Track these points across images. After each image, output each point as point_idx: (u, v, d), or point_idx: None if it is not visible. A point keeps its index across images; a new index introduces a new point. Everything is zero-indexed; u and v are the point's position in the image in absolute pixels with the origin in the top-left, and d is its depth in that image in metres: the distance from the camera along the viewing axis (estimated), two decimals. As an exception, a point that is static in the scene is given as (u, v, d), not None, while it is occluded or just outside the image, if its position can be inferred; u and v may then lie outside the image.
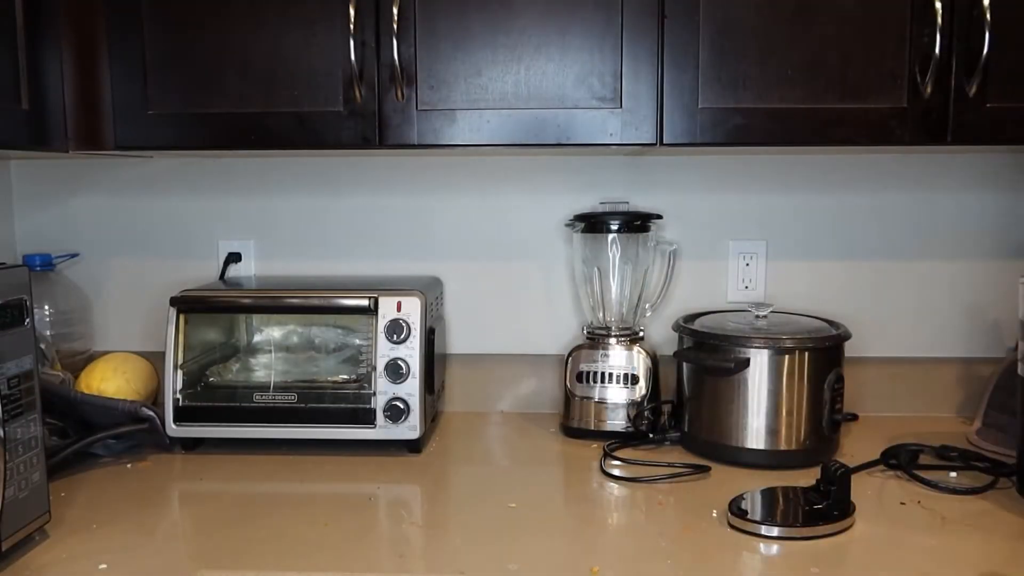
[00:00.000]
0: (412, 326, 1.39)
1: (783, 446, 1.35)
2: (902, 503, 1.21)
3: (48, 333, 1.59)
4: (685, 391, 1.45)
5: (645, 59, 1.27)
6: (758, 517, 1.11)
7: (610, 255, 1.57)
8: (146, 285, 1.72)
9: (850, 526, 1.13)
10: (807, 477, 1.28)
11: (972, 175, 1.62)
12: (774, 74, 1.26)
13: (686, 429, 1.45)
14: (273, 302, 1.46)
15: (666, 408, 1.53)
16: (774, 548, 1.07)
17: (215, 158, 1.68)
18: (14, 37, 1.22)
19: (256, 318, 1.62)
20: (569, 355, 1.54)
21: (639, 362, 1.50)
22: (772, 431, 1.34)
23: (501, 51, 1.28)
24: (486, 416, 1.66)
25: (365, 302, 1.40)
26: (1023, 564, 1.02)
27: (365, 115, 1.29)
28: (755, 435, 1.35)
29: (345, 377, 1.46)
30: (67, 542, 1.09)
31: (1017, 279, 1.28)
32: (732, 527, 1.12)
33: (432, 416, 1.53)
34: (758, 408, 1.34)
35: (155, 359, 1.54)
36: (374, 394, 1.39)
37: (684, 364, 1.45)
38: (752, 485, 1.26)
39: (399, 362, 1.38)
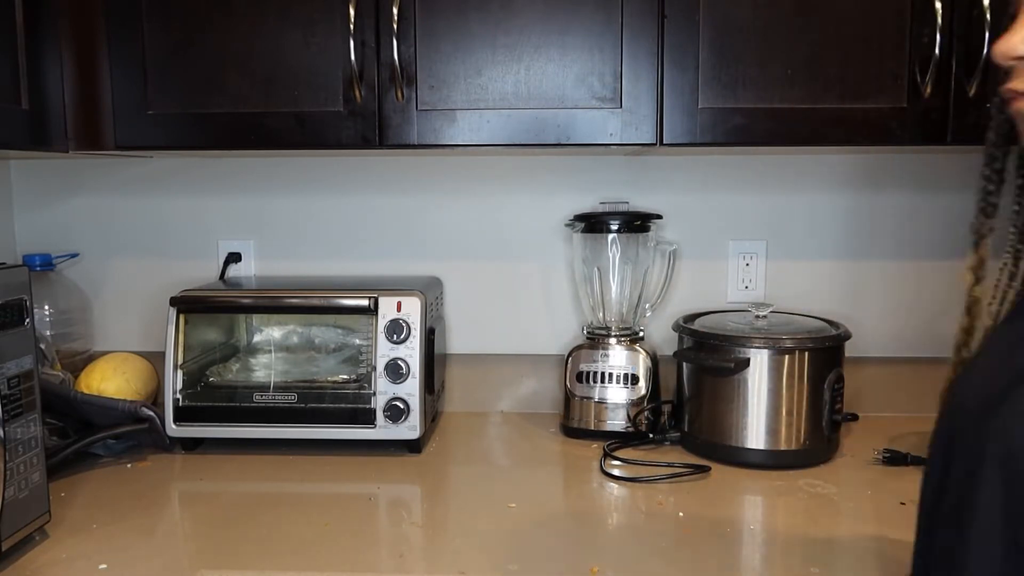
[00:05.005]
0: (412, 326, 1.39)
1: (783, 446, 1.34)
2: (902, 503, 1.21)
3: (48, 333, 1.59)
4: (685, 391, 1.45)
5: (645, 59, 1.27)
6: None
7: (610, 255, 1.57)
8: (146, 285, 1.71)
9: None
10: (807, 477, 1.28)
11: (971, 175, 1.62)
12: (774, 74, 1.26)
13: (686, 429, 1.44)
14: (273, 302, 1.46)
15: (666, 408, 1.53)
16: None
17: (215, 158, 1.68)
18: (14, 37, 1.22)
19: (256, 318, 1.62)
20: (569, 355, 1.54)
21: (639, 362, 1.50)
22: (772, 431, 1.34)
23: (501, 51, 1.28)
24: (486, 416, 1.66)
25: (365, 302, 1.40)
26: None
27: (365, 115, 1.29)
28: (755, 435, 1.34)
29: (345, 377, 1.46)
30: (67, 542, 1.09)
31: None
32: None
33: (432, 416, 1.53)
34: (758, 408, 1.34)
35: (155, 359, 1.54)
36: (374, 394, 1.39)
37: (684, 364, 1.45)
38: (752, 485, 1.26)
39: (399, 362, 1.38)
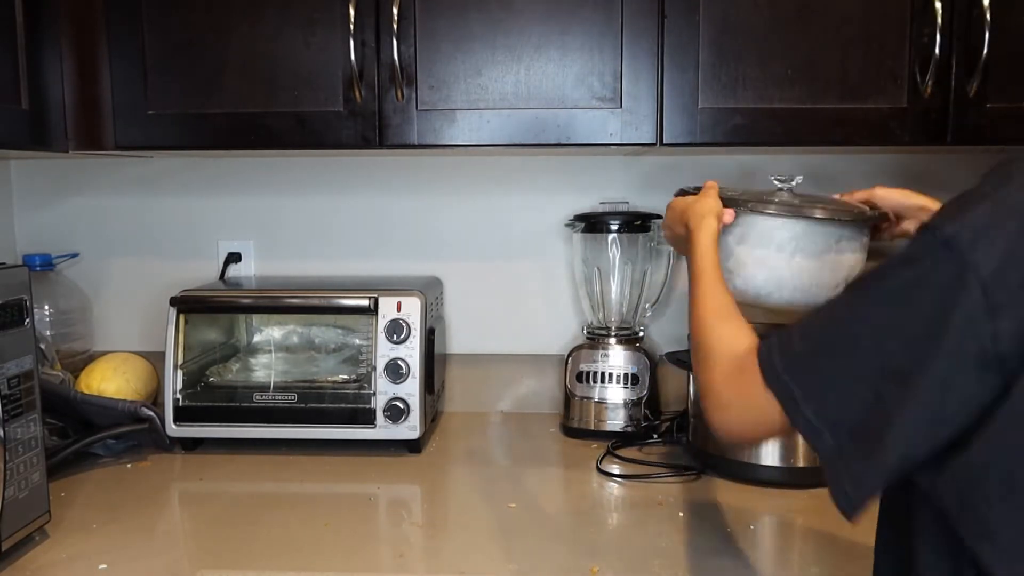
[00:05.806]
0: (412, 326, 1.39)
1: (802, 463, 1.26)
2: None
3: (48, 333, 1.59)
4: (694, 402, 1.39)
5: (645, 59, 1.27)
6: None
7: (610, 255, 1.57)
8: (146, 285, 1.71)
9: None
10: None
11: (972, 175, 1.62)
12: (774, 74, 1.26)
13: (696, 443, 1.37)
14: (273, 302, 1.46)
15: (675, 422, 1.48)
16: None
17: (215, 158, 1.68)
18: (14, 37, 1.22)
19: (256, 318, 1.62)
20: (569, 355, 1.54)
21: (639, 362, 1.49)
22: (789, 445, 1.24)
23: (501, 51, 1.28)
24: (486, 416, 1.66)
25: (365, 302, 1.40)
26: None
27: (365, 115, 1.29)
28: (770, 450, 1.26)
29: (345, 377, 1.46)
30: (67, 542, 1.09)
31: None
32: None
33: (432, 416, 1.53)
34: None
35: (155, 359, 1.54)
36: (374, 394, 1.39)
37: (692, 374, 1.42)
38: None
39: (399, 362, 1.38)
